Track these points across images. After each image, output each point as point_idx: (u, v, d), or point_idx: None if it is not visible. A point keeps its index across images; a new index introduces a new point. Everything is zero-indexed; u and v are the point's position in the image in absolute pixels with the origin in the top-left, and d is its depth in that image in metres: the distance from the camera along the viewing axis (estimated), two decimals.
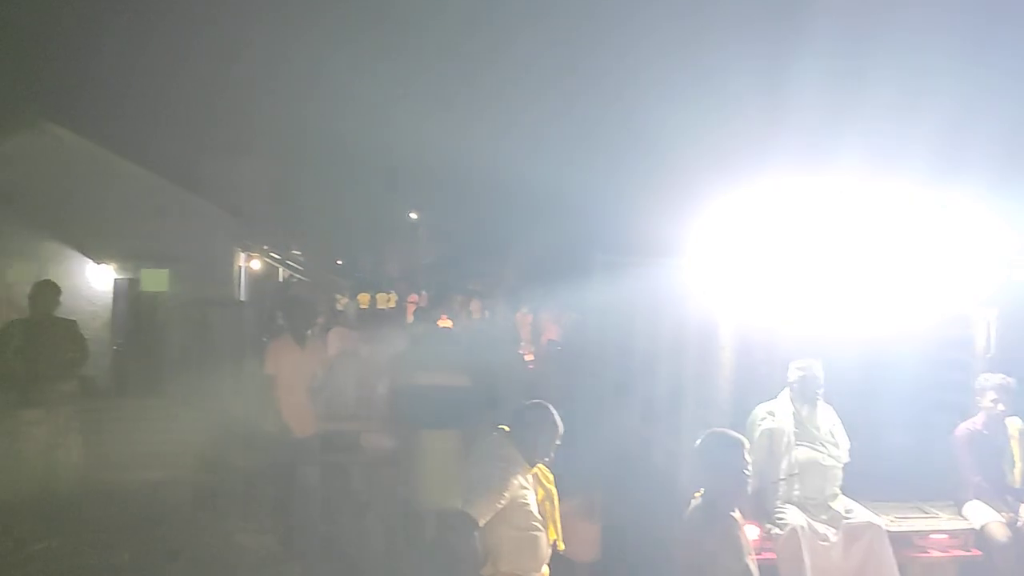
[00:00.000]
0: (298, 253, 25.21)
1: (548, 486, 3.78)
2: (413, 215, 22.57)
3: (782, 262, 4.81)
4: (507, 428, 3.73)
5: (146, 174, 16.46)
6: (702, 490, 3.39)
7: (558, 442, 3.71)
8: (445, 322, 10.97)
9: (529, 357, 10.81)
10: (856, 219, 4.85)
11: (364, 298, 17.51)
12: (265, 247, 21.68)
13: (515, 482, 3.55)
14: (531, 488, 3.64)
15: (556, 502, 3.79)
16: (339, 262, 28.38)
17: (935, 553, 4.76)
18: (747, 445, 3.39)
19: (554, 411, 3.75)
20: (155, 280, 15.49)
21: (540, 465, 3.76)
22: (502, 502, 3.47)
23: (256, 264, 21.35)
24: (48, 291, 6.44)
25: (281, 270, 23.98)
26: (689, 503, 3.41)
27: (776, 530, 4.59)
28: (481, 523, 3.39)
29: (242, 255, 20.41)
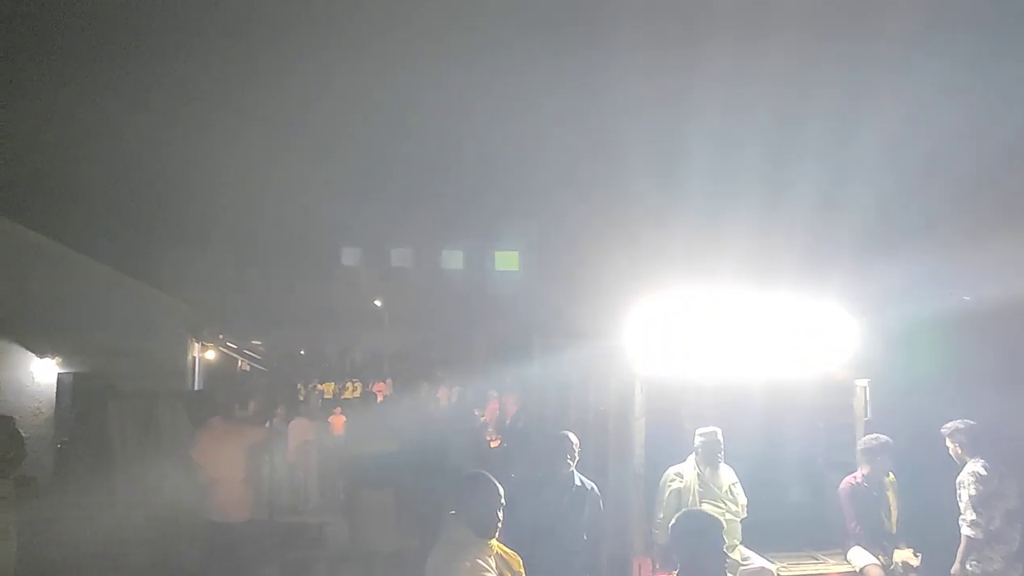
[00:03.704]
0: (258, 343, 26.70)
1: (517, 569, 4.07)
2: (378, 303, 24.18)
3: (691, 344, 6.37)
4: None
5: (93, 264, 17.59)
6: (677, 569, 3.72)
7: (503, 502, 4.02)
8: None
9: (495, 444, 12.25)
10: (752, 311, 6.47)
11: (329, 387, 18.90)
12: (221, 337, 23.19)
13: (470, 565, 3.79)
14: (493, 570, 3.88)
15: None
16: (302, 352, 29.84)
17: None
18: (724, 526, 3.83)
19: (492, 477, 4.09)
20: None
21: (505, 548, 4.06)
22: None
23: (211, 355, 22.81)
24: None
25: (240, 360, 25.43)
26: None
27: None
28: None
29: (196, 345, 21.87)
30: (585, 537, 5.79)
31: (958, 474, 6.05)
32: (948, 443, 6.22)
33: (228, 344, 23.91)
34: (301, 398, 18.11)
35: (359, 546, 8.50)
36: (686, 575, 3.62)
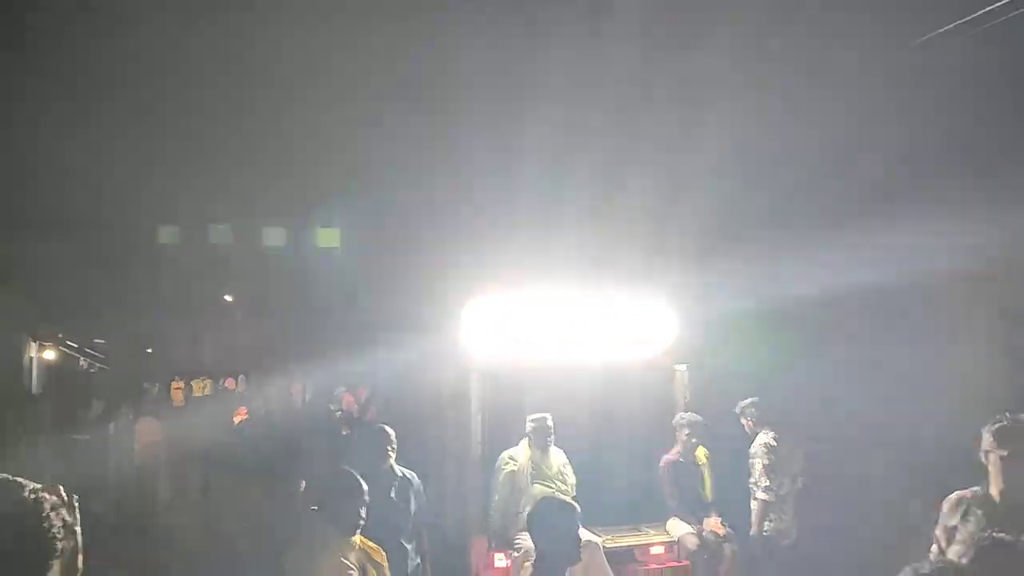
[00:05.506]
0: (101, 341, 25.83)
1: (379, 562, 4.14)
2: (228, 297, 23.89)
3: (523, 335, 6.95)
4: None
5: None
6: (532, 558, 3.89)
7: (366, 500, 4.11)
8: (241, 415, 12.61)
9: (346, 432, 12.57)
10: (581, 304, 7.12)
11: (178, 385, 18.58)
12: (60, 335, 22.37)
13: (332, 563, 3.86)
14: (355, 567, 3.95)
15: None
16: (149, 349, 28.97)
17: (653, 565, 6.92)
18: (579, 510, 3.86)
19: (357, 475, 4.18)
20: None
21: (368, 542, 4.15)
22: None
23: (50, 354, 22.00)
24: None
25: (82, 360, 24.61)
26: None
27: (514, 553, 6.58)
28: None
29: (33, 345, 21.07)
30: (411, 526, 6.01)
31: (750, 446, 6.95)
32: (741, 419, 7.13)
33: (68, 343, 23.13)
34: (148, 397, 17.77)
35: (213, 543, 8.71)
36: (543, 559, 3.76)
